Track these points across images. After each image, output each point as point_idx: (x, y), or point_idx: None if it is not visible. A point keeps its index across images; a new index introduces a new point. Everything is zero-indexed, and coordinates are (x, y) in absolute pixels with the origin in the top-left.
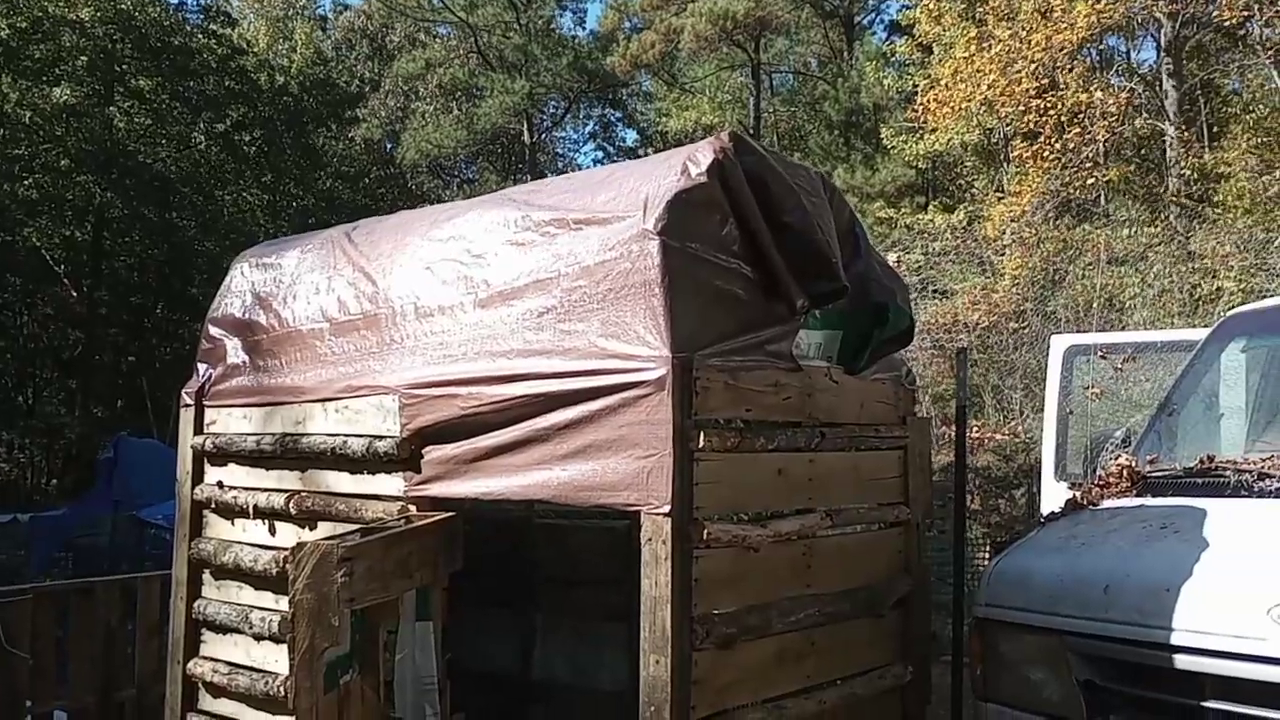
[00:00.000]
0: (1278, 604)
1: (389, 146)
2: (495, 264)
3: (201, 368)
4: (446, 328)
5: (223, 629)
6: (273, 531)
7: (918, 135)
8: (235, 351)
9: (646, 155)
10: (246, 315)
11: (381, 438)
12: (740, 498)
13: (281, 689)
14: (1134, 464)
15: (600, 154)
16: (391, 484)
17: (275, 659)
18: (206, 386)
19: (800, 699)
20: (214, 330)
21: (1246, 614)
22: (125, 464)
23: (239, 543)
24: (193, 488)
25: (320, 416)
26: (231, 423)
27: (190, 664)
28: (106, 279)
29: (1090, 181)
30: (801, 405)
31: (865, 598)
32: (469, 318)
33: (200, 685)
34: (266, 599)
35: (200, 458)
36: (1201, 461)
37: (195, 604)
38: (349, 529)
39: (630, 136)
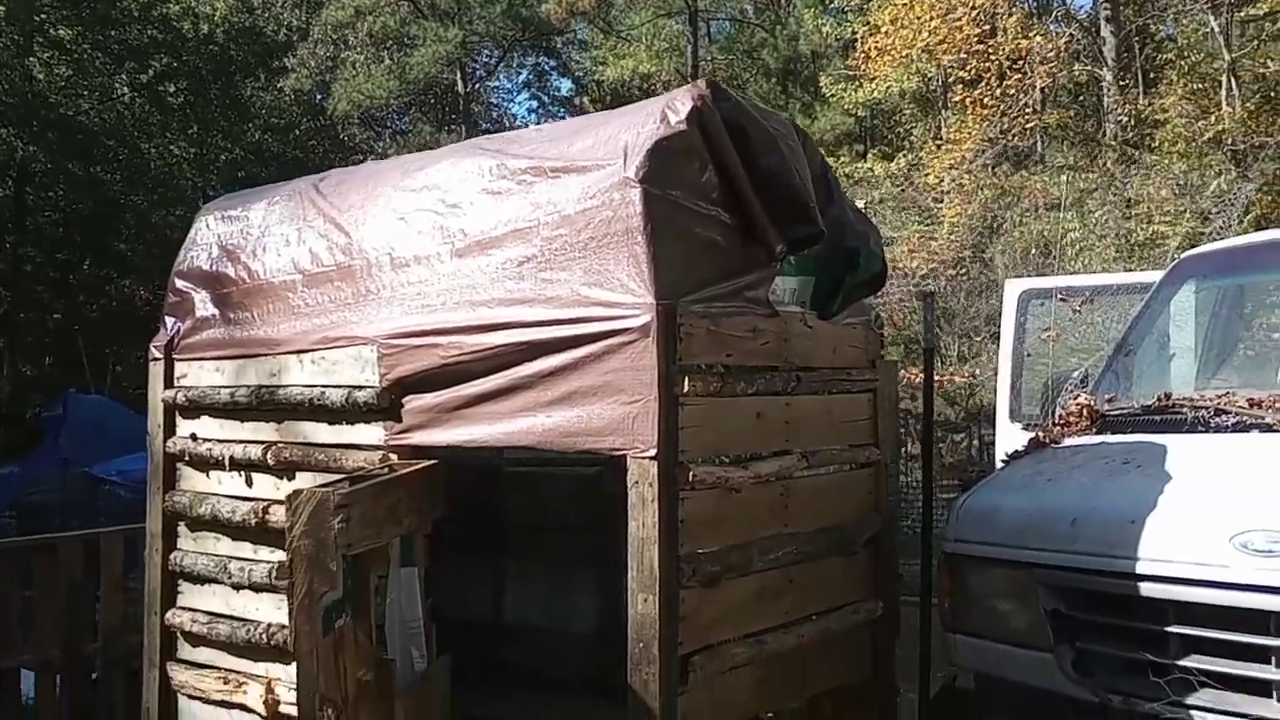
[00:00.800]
0: (1239, 533)
1: (319, 98)
2: (471, 213)
3: (169, 321)
4: (424, 278)
5: (200, 579)
6: (249, 483)
7: (856, 83)
8: (204, 304)
9: (581, 105)
10: (214, 268)
11: (360, 388)
12: (722, 441)
13: (263, 636)
14: (1093, 403)
15: (535, 103)
16: (371, 433)
17: (255, 607)
18: (175, 340)
19: (779, 634)
20: (180, 284)
21: (1210, 543)
22: (74, 421)
23: (215, 495)
24: (165, 441)
25: (296, 368)
26: (203, 376)
27: (168, 614)
28: (30, 235)
29: (1030, 126)
30: (778, 350)
31: (838, 536)
32: (446, 267)
33: (179, 635)
34: (245, 549)
35: (171, 411)
36: (1159, 399)
37: (171, 556)
38: (332, 478)
39: (565, 86)
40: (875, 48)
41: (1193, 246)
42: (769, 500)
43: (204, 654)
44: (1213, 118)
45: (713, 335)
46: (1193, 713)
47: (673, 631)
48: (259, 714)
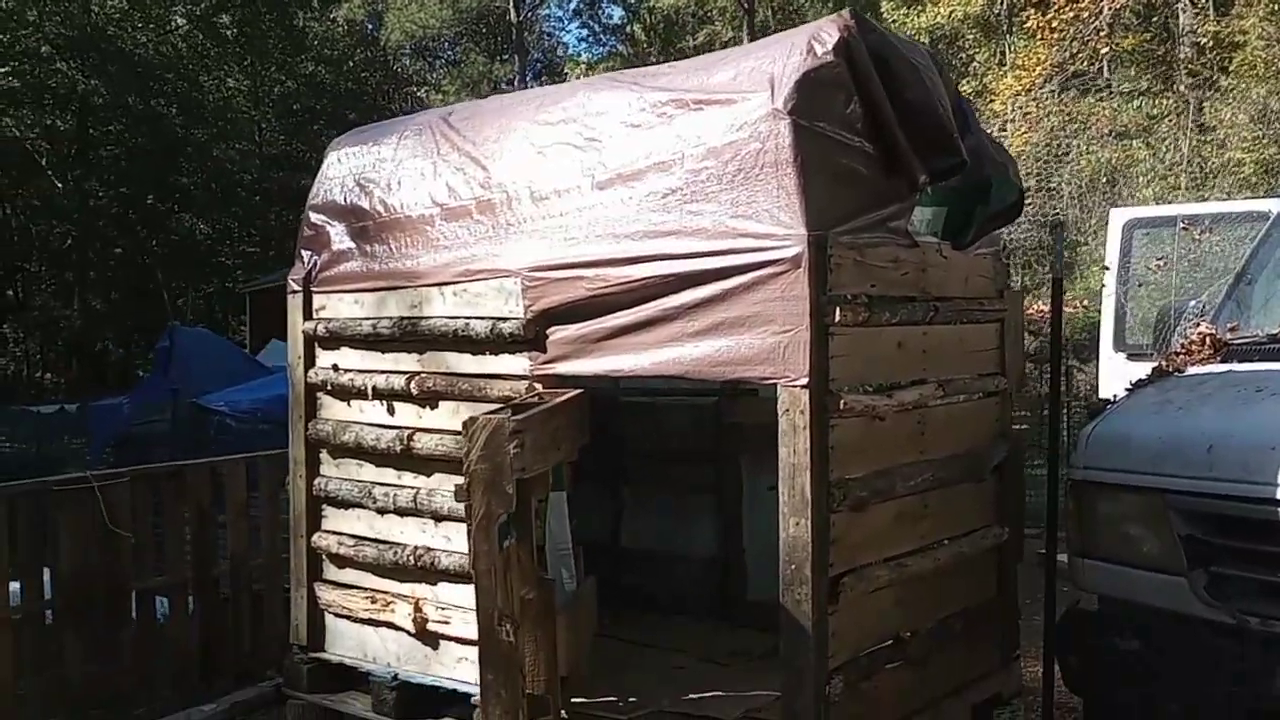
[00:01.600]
0: None
1: (371, 28)
2: (611, 146)
3: (305, 254)
4: (565, 210)
5: (344, 504)
6: (391, 412)
7: (919, 7)
8: (340, 238)
9: (632, 33)
10: (349, 201)
11: (505, 319)
12: (866, 370)
13: (410, 558)
14: (1215, 332)
15: (585, 31)
16: (516, 364)
17: (400, 530)
18: (313, 273)
19: (917, 557)
20: (315, 217)
21: None
22: (182, 353)
23: (358, 423)
24: (305, 371)
25: (438, 300)
26: (342, 308)
27: (314, 537)
28: (94, 169)
29: (1105, 51)
30: (917, 280)
31: (969, 463)
32: (588, 200)
33: (324, 557)
34: (388, 475)
35: (311, 342)
36: None
37: (315, 481)
38: (480, 407)
39: (617, 13)
40: None
41: (1268, 174)
42: (908, 428)
43: (350, 575)
44: None
45: (859, 266)
46: None
47: (824, 553)
48: (406, 630)
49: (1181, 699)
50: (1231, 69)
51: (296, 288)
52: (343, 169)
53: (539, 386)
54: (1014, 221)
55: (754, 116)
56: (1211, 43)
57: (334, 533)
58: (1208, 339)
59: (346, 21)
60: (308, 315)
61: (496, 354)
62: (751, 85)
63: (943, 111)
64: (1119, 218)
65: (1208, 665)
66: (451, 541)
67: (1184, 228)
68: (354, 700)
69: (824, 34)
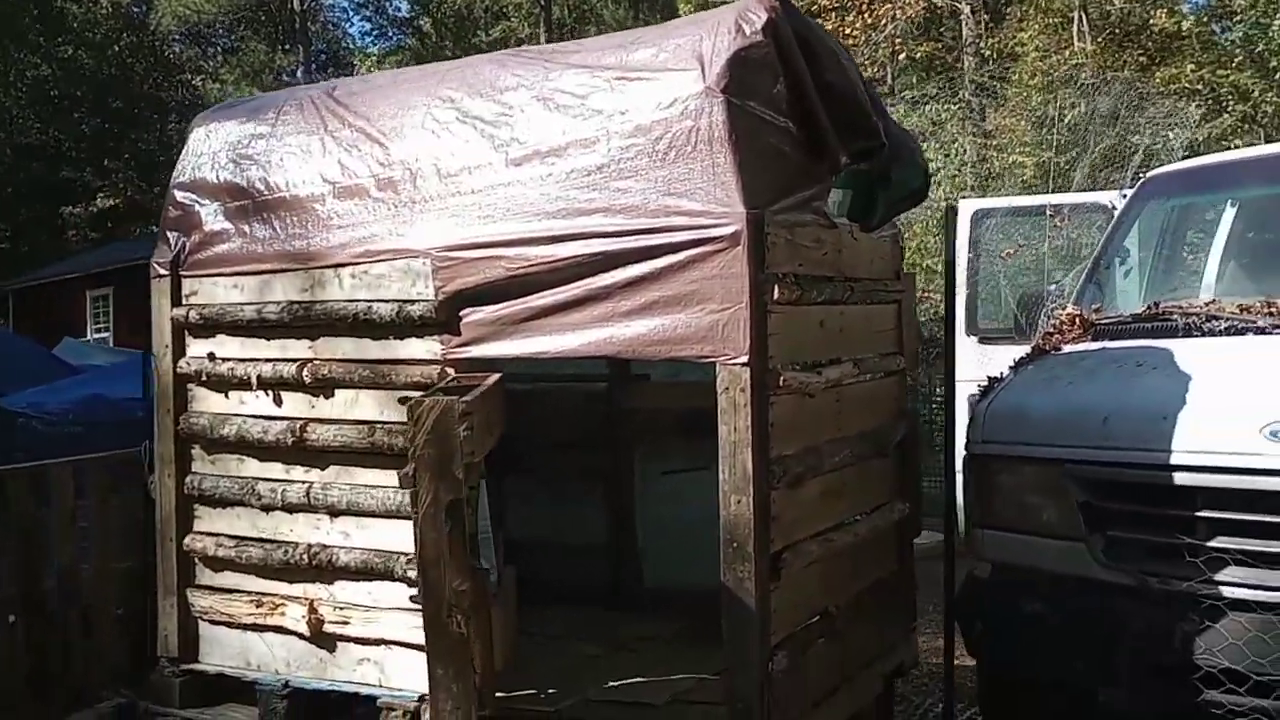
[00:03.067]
0: (1269, 424)
1: (139, 12)
2: (525, 122)
3: (172, 236)
4: (477, 187)
5: (222, 503)
6: (279, 402)
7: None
8: (214, 218)
9: (421, 27)
10: (222, 179)
11: (412, 301)
12: (796, 348)
13: (304, 556)
14: (1082, 313)
15: (368, 25)
16: (425, 348)
17: (289, 528)
18: (182, 255)
19: (839, 532)
20: (181, 196)
21: (1241, 433)
22: None
23: (239, 415)
24: (174, 362)
25: (334, 283)
26: (219, 292)
27: (186, 540)
28: None
29: (901, 58)
30: (834, 261)
31: (875, 440)
32: (501, 177)
33: (198, 560)
34: (274, 470)
35: (180, 330)
36: (1149, 308)
37: (187, 480)
38: (393, 394)
39: (404, 6)
40: None
41: (1047, 175)
42: (829, 406)
43: (230, 578)
44: (1066, 52)
45: (790, 245)
46: (1223, 588)
47: (765, 531)
48: (298, 634)
49: (1086, 658)
50: (1012, 78)
51: (163, 272)
52: (213, 144)
53: (450, 371)
54: (920, 203)
55: (685, 93)
56: (994, 53)
57: (210, 534)
58: (1077, 319)
59: (111, 4)
60: (176, 301)
61: (402, 338)
62: (678, 63)
63: (861, 94)
64: (968, 208)
65: (1110, 625)
66: (350, 537)
67: (1052, 216)
68: (235, 713)
69: (751, 14)
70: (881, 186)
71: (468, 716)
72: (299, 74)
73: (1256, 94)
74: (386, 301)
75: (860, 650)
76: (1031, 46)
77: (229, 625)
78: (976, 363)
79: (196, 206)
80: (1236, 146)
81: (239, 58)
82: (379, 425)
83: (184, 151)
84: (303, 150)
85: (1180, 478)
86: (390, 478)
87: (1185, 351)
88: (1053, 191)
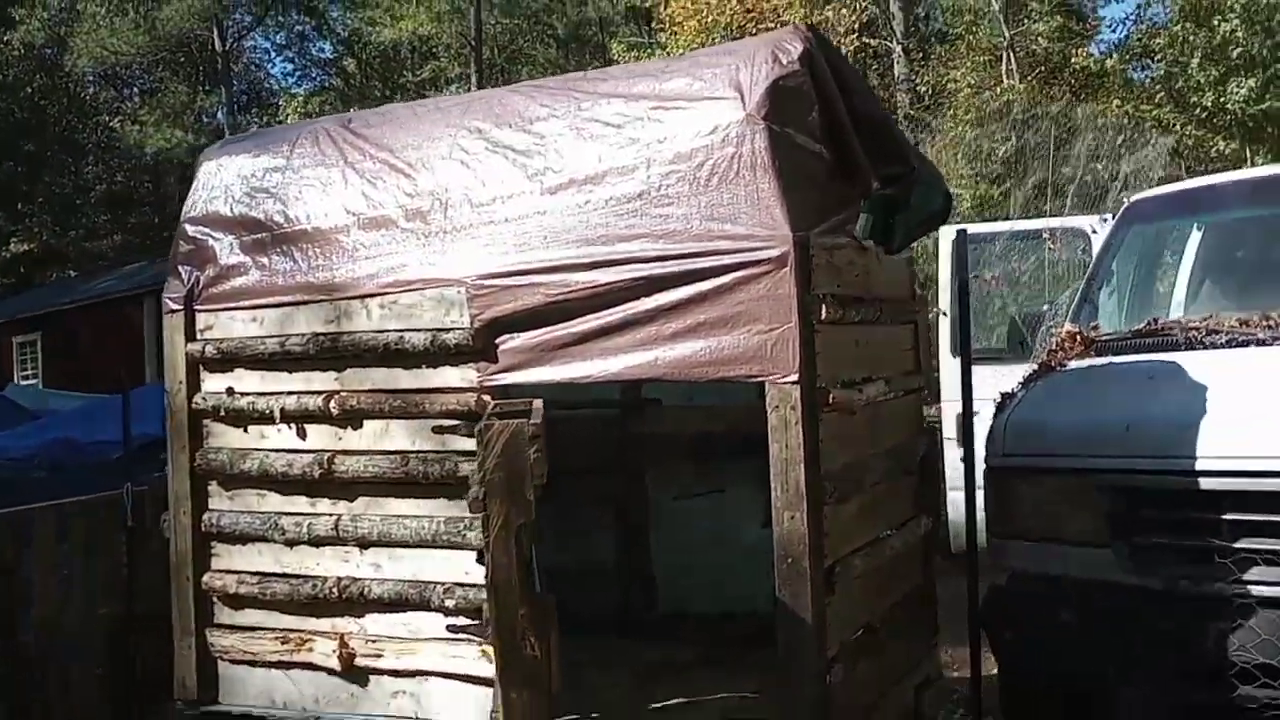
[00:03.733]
0: None
1: (52, 53)
2: (558, 151)
3: (184, 270)
4: (512, 216)
5: (242, 539)
6: (303, 435)
7: (648, 51)
8: (228, 251)
9: (346, 67)
10: (237, 213)
11: (447, 330)
12: (837, 367)
13: (333, 590)
14: (1081, 331)
15: (290, 65)
16: (459, 375)
17: (315, 563)
18: (196, 290)
19: (877, 547)
20: (193, 230)
21: (1264, 438)
22: None
23: (260, 450)
24: (189, 397)
25: (361, 314)
26: (236, 326)
27: (205, 578)
28: None
29: None
30: (865, 282)
31: (903, 457)
32: (537, 205)
33: (217, 599)
34: (299, 504)
35: (195, 365)
36: (1148, 324)
37: (204, 517)
38: (426, 424)
39: (326, 48)
40: (679, 12)
41: (984, 207)
42: (866, 423)
43: (253, 616)
44: (997, 89)
45: (830, 267)
46: (1252, 587)
47: (820, 545)
48: (328, 669)
49: (1119, 660)
50: (945, 113)
51: (176, 306)
52: (225, 178)
53: (487, 399)
54: (939, 227)
55: (725, 121)
56: (929, 89)
57: (230, 571)
58: (1078, 336)
59: (24, 45)
60: (190, 336)
61: (436, 367)
62: (716, 91)
63: (890, 121)
64: (948, 232)
65: (1142, 628)
66: (381, 569)
67: (1048, 239)
68: None
69: (787, 44)
70: (901, 209)
71: None
72: (220, 115)
73: (1178, 128)
74: (419, 331)
75: (895, 664)
76: (965, 83)
77: (252, 664)
78: (960, 383)
79: (210, 240)
80: (1160, 178)
81: (158, 99)
82: (412, 455)
83: (194, 185)
84: (322, 182)
85: (1206, 483)
86: (424, 507)
87: (1193, 363)
88: (988, 220)
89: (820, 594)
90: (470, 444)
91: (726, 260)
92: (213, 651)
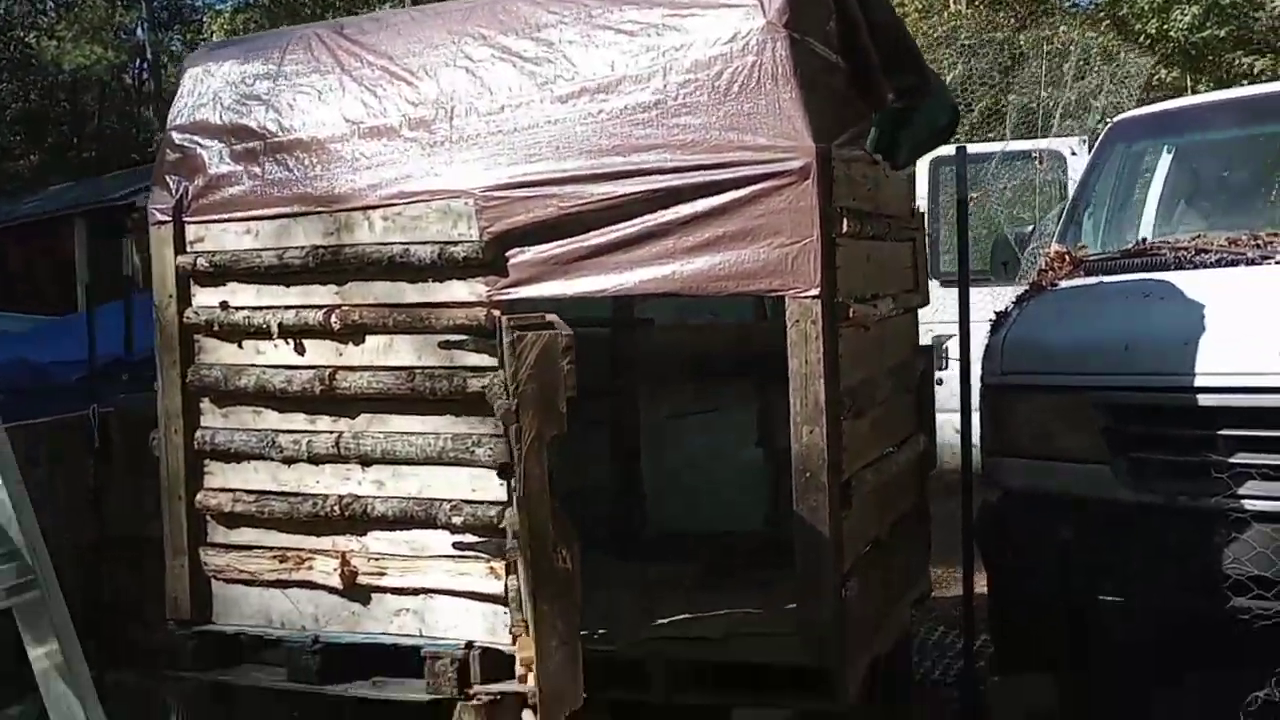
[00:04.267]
0: None
1: None
2: (569, 59)
3: (172, 180)
4: (522, 125)
5: (238, 457)
6: (301, 351)
7: None
8: (218, 161)
9: None
10: (226, 120)
11: (454, 243)
12: (853, 281)
13: (335, 508)
14: (1069, 251)
15: None
16: (467, 290)
17: (315, 480)
18: (185, 201)
19: (884, 463)
20: (180, 139)
21: (1260, 355)
22: None
23: (256, 366)
24: (180, 312)
25: (363, 226)
26: (228, 239)
27: (199, 497)
28: None
29: None
30: (874, 197)
31: (904, 375)
32: (548, 114)
33: (211, 518)
34: (297, 421)
35: (186, 279)
36: (1137, 244)
37: (197, 435)
38: (432, 339)
39: None
40: None
41: None
42: (877, 339)
43: (249, 535)
44: (945, 14)
45: (848, 180)
46: (1247, 501)
47: (838, 460)
48: (328, 588)
49: (1115, 574)
50: None
51: (164, 218)
52: (212, 85)
53: (495, 313)
54: (949, 139)
55: (745, 29)
56: None
57: (224, 490)
58: (1066, 256)
59: None
60: (180, 249)
61: (442, 281)
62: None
63: (904, 29)
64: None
65: (1138, 542)
66: (384, 487)
67: (1037, 160)
68: (258, 673)
69: None
70: (908, 124)
71: (574, 654)
72: (139, 31)
73: (1121, 55)
74: (425, 244)
75: (897, 580)
76: (912, 8)
77: (248, 583)
78: (938, 304)
79: (198, 149)
80: (1102, 104)
81: (76, 14)
82: (418, 370)
83: (180, 92)
84: (318, 90)
85: (1204, 399)
86: (430, 424)
87: (1185, 283)
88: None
89: (837, 508)
90: (479, 359)
91: (747, 172)
92: (206, 570)
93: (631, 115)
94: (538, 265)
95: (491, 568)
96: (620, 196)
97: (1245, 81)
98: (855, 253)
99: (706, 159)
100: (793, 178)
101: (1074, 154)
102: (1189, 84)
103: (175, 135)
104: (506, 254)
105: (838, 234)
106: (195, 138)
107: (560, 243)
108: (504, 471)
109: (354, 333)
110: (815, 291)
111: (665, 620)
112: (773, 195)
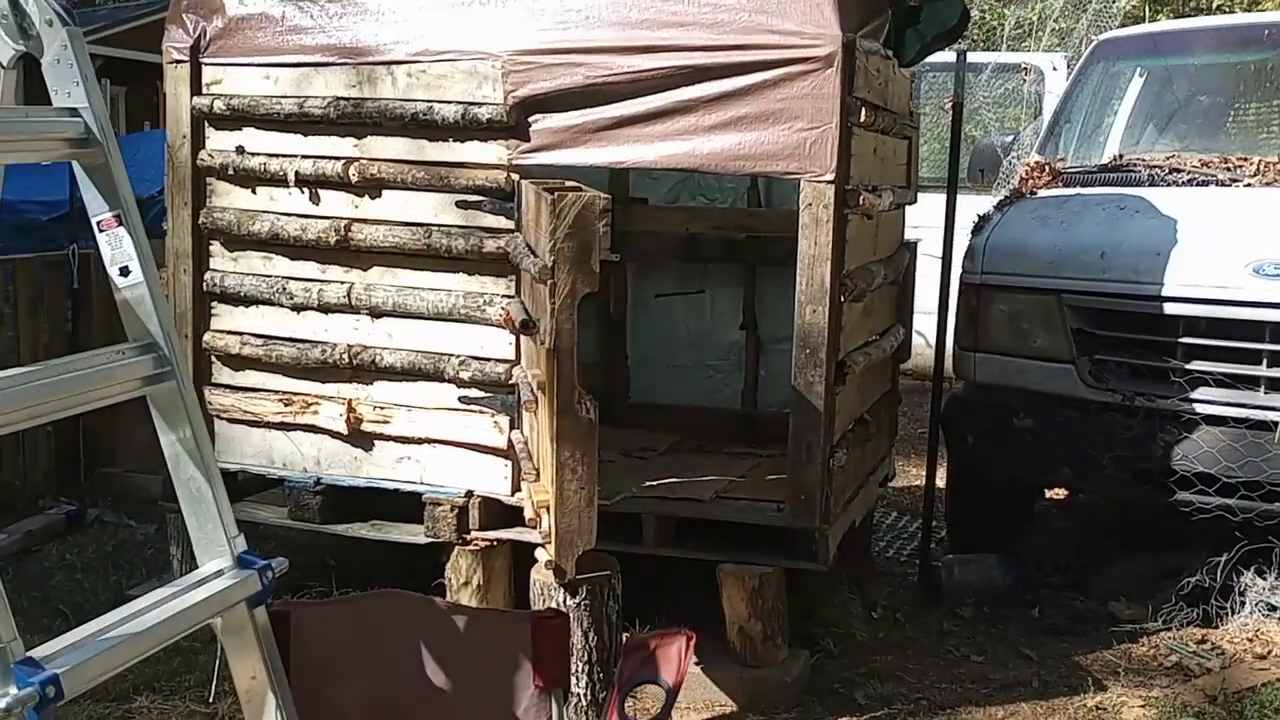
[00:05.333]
0: (1253, 261)
1: None
2: None
3: (189, 20)
4: None
5: (246, 301)
6: (316, 201)
7: None
8: (240, 2)
9: None
10: None
11: (479, 104)
12: (864, 170)
13: (344, 355)
14: (1049, 162)
15: None
16: (489, 152)
17: (324, 328)
18: (202, 42)
19: (871, 348)
20: None
21: (1229, 269)
22: None
23: (271, 213)
24: (194, 154)
25: (386, 80)
26: (246, 83)
27: (206, 337)
28: None
29: None
30: (883, 92)
31: (892, 267)
32: None
33: (216, 359)
34: (308, 269)
35: (200, 121)
36: (1114, 159)
37: (206, 276)
38: (450, 197)
39: None
40: None
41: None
42: (873, 228)
43: (254, 377)
44: None
45: (866, 71)
46: (1199, 405)
47: (836, 339)
48: (332, 432)
49: (1072, 464)
50: None
51: (180, 57)
52: None
53: (515, 176)
54: (957, 40)
55: None
56: None
57: (231, 332)
58: (1046, 167)
59: None
60: (196, 90)
61: (464, 141)
62: None
63: None
64: None
65: (1096, 436)
66: (394, 338)
67: (1023, 70)
68: (258, 509)
69: None
70: (914, 22)
71: (591, 497)
72: None
73: None
74: (449, 103)
75: (871, 459)
76: None
77: (251, 424)
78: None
79: None
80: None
81: None
82: (435, 228)
83: None
84: None
85: (1170, 308)
86: (444, 281)
87: (1160, 199)
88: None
89: (832, 383)
90: (495, 221)
91: (773, 55)
92: (209, 409)
93: None
94: (561, 133)
95: (496, 422)
96: (647, 70)
97: (1203, 14)
98: (866, 144)
99: (735, 39)
100: (818, 64)
101: (1055, 69)
102: (1147, 14)
103: None
104: (530, 119)
105: (855, 123)
106: None
107: (584, 112)
108: (526, 327)
109: (372, 186)
110: (830, 177)
111: (652, 482)
112: (797, 80)
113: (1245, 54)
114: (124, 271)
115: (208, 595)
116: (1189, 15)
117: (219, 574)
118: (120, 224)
